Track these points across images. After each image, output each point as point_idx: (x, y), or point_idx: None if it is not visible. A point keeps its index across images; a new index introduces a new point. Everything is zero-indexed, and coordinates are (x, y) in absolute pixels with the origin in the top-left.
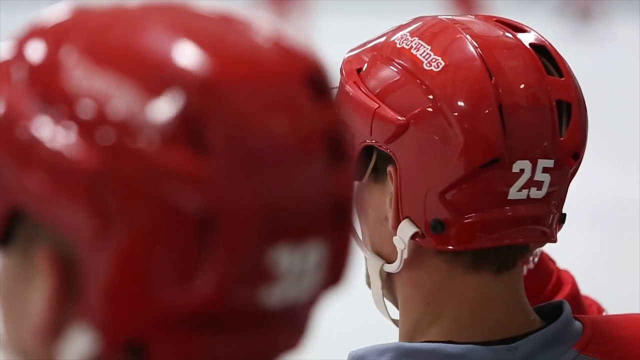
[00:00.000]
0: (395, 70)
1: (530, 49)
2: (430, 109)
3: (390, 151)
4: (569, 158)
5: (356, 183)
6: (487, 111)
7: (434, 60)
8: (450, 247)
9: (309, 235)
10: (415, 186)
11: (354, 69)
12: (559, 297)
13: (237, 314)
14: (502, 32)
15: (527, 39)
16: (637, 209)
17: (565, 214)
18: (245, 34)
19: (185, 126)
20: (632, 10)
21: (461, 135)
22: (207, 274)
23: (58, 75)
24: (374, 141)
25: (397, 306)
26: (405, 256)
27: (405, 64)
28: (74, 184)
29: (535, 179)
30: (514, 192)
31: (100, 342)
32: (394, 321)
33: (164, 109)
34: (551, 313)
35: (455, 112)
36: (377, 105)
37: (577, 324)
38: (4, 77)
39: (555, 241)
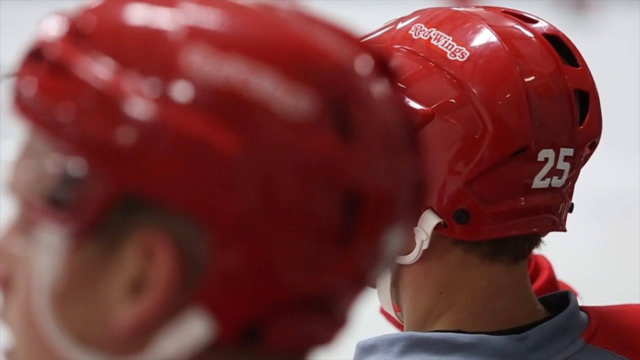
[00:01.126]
0: (415, 60)
1: (544, 39)
2: (457, 99)
3: None
4: (586, 147)
5: None
6: (516, 100)
7: (458, 50)
8: (473, 237)
9: (402, 219)
10: (440, 176)
11: None
12: (538, 283)
13: (345, 294)
14: (513, 23)
15: (539, 29)
16: (637, 200)
17: (573, 204)
18: (327, 27)
19: (329, 111)
20: (627, 1)
21: (491, 124)
22: (346, 258)
23: (184, 62)
24: None
25: (396, 300)
26: (425, 247)
27: (426, 55)
28: (218, 171)
29: (557, 167)
30: (538, 181)
31: (217, 327)
32: (399, 317)
33: (307, 93)
34: (555, 303)
35: (484, 102)
36: (402, 97)
37: (582, 314)
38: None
39: (565, 230)
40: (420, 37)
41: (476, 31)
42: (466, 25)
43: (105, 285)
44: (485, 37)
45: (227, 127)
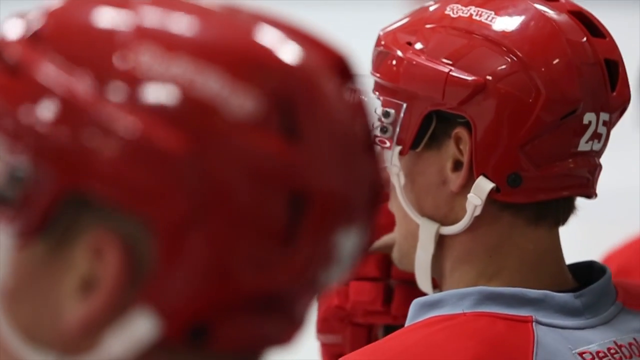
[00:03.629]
0: (460, 36)
1: (570, 14)
2: (509, 67)
3: (465, 112)
4: (618, 113)
5: (390, 154)
6: (565, 65)
7: (502, 22)
8: (525, 199)
9: (357, 220)
10: (493, 142)
11: (404, 42)
12: None
13: (298, 295)
14: (539, 2)
15: (563, 6)
16: (637, 199)
17: (601, 166)
18: (288, 27)
19: (276, 111)
20: (627, 1)
21: (544, 88)
22: (292, 257)
23: (133, 62)
24: (444, 106)
25: (436, 273)
26: (477, 213)
27: (471, 29)
28: (162, 170)
29: (597, 131)
30: (583, 144)
31: (163, 326)
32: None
33: (253, 93)
34: (579, 272)
35: (536, 68)
36: (449, 69)
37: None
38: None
39: (596, 195)
40: (460, 15)
41: (515, 5)
42: (503, 2)
43: (55, 284)
44: (526, 9)
45: (172, 127)
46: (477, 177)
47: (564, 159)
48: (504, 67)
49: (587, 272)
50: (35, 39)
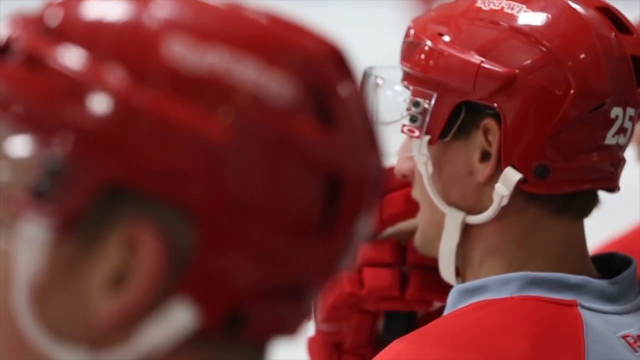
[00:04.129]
0: (491, 28)
1: (598, 10)
2: (541, 59)
3: (495, 104)
4: None
5: (419, 143)
6: (595, 59)
7: (534, 16)
8: (552, 190)
9: (372, 207)
10: (522, 133)
11: (434, 33)
12: None
13: (321, 283)
14: None
15: (591, 2)
16: (636, 197)
17: (625, 160)
18: (292, 23)
19: (310, 97)
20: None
21: (573, 81)
22: (327, 244)
23: (166, 53)
24: (474, 97)
25: (460, 263)
26: (504, 203)
27: (503, 22)
28: (205, 157)
29: (624, 126)
30: (609, 138)
31: (201, 316)
32: (458, 283)
33: (289, 80)
34: (599, 263)
35: (567, 61)
36: (480, 61)
37: None
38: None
39: (619, 189)
40: (491, 8)
41: None
42: None
43: (86, 278)
44: (556, 3)
45: (214, 114)
46: (505, 167)
47: (591, 151)
48: (534, 59)
49: (607, 263)
50: (57, 34)
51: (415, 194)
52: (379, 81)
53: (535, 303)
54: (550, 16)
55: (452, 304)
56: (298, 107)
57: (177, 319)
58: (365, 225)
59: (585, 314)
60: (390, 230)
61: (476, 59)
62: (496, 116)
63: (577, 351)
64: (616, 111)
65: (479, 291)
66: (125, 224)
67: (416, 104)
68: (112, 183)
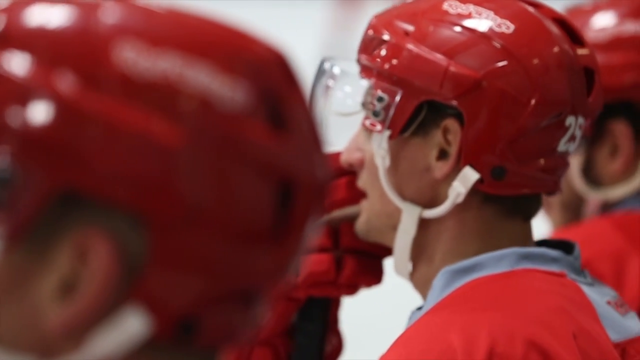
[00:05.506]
0: (459, 32)
1: (554, 21)
2: (508, 66)
3: (459, 106)
4: (590, 120)
5: (380, 138)
6: (558, 69)
7: (503, 23)
8: (507, 192)
9: (322, 210)
10: (483, 136)
11: (401, 31)
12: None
13: (273, 287)
14: (528, 6)
15: (549, 12)
16: None
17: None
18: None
19: (263, 102)
20: None
21: (537, 89)
22: (279, 248)
23: (117, 59)
24: (439, 97)
25: (414, 257)
26: (459, 200)
27: (471, 27)
28: (159, 163)
29: (574, 134)
30: (562, 144)
31: (154, 323)
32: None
33: (242, 85)
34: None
35: (532, 69)
36: (448, 63)
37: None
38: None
39: (561, 191)
40: (459, 12)
41: (512, 7)
42: (501, 2)
43: (37, 287)
44: (524, 12)
45: (167, 120)
46: (464, 167)
47: (544, 156)
48: (501, 66)
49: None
50: (1, 40)
51: (363, 183)
52: (337, 72)
53: (537, 273)
54: (517, 24)
55: (444, 284)
56: (250, 112)
57: (129, 327)
58: (315, 229)
59: (577, 283)
60: (331, 215)
61: (444, 61)
62: (458, 117)
63: (592, 313)
64: (570, 120)
65: (474, 269)
66: (76, 232)
67: (380, 99)
68: (63, 190)
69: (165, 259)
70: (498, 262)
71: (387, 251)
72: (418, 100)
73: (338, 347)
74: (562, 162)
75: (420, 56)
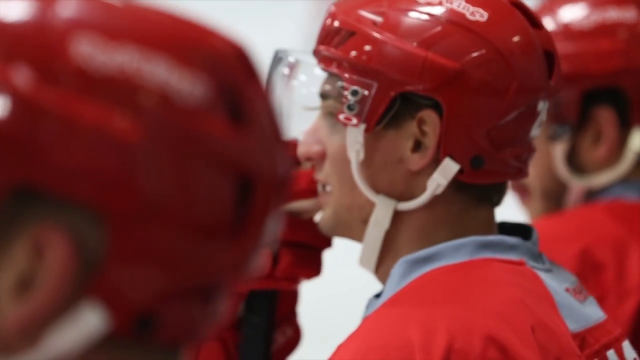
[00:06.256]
0: (432, 21)
1: (513, 6)
2: (486, 54)
3: (437, 96)
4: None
5: (355, 132)
6: (534, 54)
7: (476, 11)
8: (485, 180)
9: (282, 205)
10: (463, 126)
11: (370, 22)
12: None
13: (232, 283)
14: None
15: None
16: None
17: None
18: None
19: (222, 96)
20: None
21: (516, 77)
22: (239, 244)
23: (74, 52)
24: (418, 88)
25: (384, 248)
26: (439, 192)
27: (443, 15)
28: (116, 157)
29: (542, 119)
30: (533, 130)
31: (112, 319)
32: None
33: (201, 79)
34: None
35: (509, 57)
36: (426, 54)
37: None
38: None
39: (527, 177)
40: (429, 1)
41: None
42: None
43: None
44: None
45: (124, 114)
46: (443, 158)
47: (519, 143)
48: (479, 54)
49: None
50: None
51: (325, 177)
52: (297, 63)
53: (496, 263)
54: (490, 12)
55: (403, 273)
56: (209, 106)
57: (87, 323)
58: (275, 224)
59: (535, 271)
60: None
61: (422, 51)
62: (435, 108)
63: (551, 303)
64: (541, 105)
65: (432, 259)
66: (33, 228)
67: (354, 93)
68: (20, 185)
69: (124, 254)
70: (456, 251)
71: (326, 243)
72: (394, 92)
73: (294, 338)
74: (530, 147)
75: (396, 47)
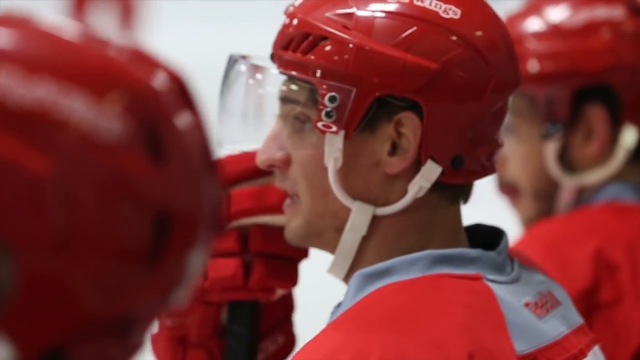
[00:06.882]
0: (407, 22)
1: None
2: (463, 53)
3: (418, 98)
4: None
5: (334, 139)
6: (508, 49)
7: (448, 9)
8: (464, 180)
9: (205, 239)
10: (445, 126)
11: (340, 26)
12: None
13: (150, 317)
14: None
15: None
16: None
17: None
18: (135, 50)
19: (141, 133)
20: None
21: (493, 74)
22: (154, 280)
23: None
24: (398, 91)
25: (355, 256)
26: (420, 194)
27: (417, 14)
28: (26, 192)
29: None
30: (503, 127)
31: (18, 353)
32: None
33: (119, 115)
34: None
35: (486, 54)
36: (405, 56)
37: None
38: None
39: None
40: (401, 0)
41: None
42: None
43: None
44: None
45: (37, 149)
46: (425, 160)
47: (493, 140)
48: (457, 52)
49: (471, 235)
50: None
51: (292, 185)
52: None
53: (448, 279)
54: (462, 9)
55: (357, 288)
56: (127, 143)
57: None
58: (199, 258)
59: (491, 286)
60: (234, 223)
61: (400, 53)
62: (413, 109)
63: (500, 323)
64: (511, 98)
65: (386, 274)
66: None
67: (332, 99)
68: None
69: (31, 288)
70: (411, 266)
71: (301, 253)
72: (373, 96)
73: (287, 346)
74: (499, 144)
75: (373, 51)
